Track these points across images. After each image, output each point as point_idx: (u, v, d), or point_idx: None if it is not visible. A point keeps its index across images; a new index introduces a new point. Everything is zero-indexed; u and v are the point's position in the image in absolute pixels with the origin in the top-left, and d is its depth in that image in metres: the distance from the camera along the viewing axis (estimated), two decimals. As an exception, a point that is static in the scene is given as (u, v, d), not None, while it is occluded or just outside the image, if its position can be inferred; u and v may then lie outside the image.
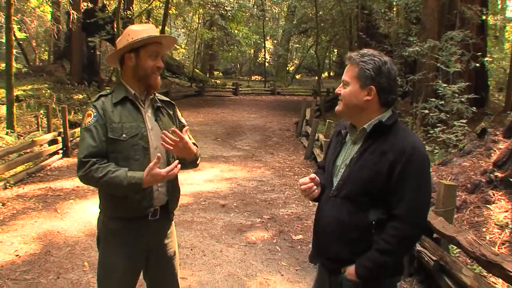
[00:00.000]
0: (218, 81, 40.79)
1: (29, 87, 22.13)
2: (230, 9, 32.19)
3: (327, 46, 35.67)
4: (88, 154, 2.77)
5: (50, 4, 27.34)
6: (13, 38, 16.59)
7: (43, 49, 38.25)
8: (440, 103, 11.27)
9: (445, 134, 10.21)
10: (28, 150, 10.58)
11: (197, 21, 36.99)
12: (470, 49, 12.91)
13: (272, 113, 24.34)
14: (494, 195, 6.62)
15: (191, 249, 6.16)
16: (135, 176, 2.74)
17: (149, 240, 3.08)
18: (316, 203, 2.87)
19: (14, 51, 16.50)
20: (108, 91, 3.06)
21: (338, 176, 2.66)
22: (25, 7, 27.25)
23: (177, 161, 2.85)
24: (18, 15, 23.24)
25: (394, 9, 23.33)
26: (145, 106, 3.05)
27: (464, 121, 10.47)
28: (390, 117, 2.56)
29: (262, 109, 26.09)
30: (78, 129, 12.73)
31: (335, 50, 47.25)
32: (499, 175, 6.81)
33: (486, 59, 14.46)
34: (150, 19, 32.02)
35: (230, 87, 35.44)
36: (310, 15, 31.87)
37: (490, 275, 4.54)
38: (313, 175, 2.76)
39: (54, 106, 16.34)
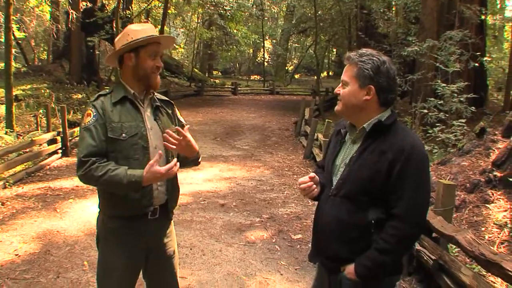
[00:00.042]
0: (217, 81, 40.77)
1: (28, 86, 22.13)
2: (229, 8, 32.23)
3: (326, 46, 35.71)
4: (88, 154, 2.77)
5: (49, 4, 27.37)
6: (12, 37, 16.59)
7: (42, 49, 38.23)
8: (439, 102, 11.29)
9: (444, 134, 10.22)
10: (27, 150, 10.59)
11: (196, 21, 37.05)
12: (469, 49, 12.93)
13: (271, 112, 24.35)
14: (493, 194, 6.63)
15: (191, 249, 6.16)
16: (135, 174, 2.74)
17: (149, 239, 3.08)
18: (316, 203, 2.88)
19: (13, 50, 16.53)
20: (107, 90, 3.06)
21: (337, 175, 2.67)
22: (24, 7, 27.25)
23: (175, 159, 2.86)
24: (17, 14, 23.24)
25: (393, 8, 23.33)
26: (144, 106, 3.05)
27: (463, 120, 10.49)
28: (389, 117, 2.57)
29: (261, 108, 26.10)
30: (77, 129, 12.73)
31: (334, 50, 47.33)
32: (498, 174, 6.82)
33: (485, 58, 14.50)
34: (149, 18, 32.02)
35: (229, 86, 35.46)
36: (309, 14, 31.87)
37: (489, 274, 4.55)
38: (312, 174, 2.77)
39: (53, 106, 16.35)
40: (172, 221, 3.29)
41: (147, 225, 3.03)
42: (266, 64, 47.74)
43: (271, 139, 16.70)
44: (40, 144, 11.23)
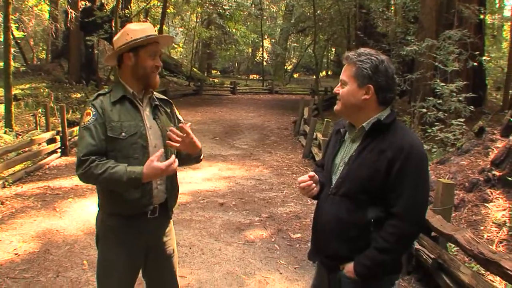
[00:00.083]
0: (216, 80, 40.77)
1: (27, 86, 22.14)
2: (228, 8, 32.24)
3: (325, 45, 35.65)
4: (87, 153, 2.77)
5: (48, 3, 27.39)
6: (11, 37, 16.58)
7: (41, 48, 38.21)
8: (438, 102, 11.31)
9: (443, 133, 10.23)
10: (27, 149, 10.59)
11: (195, 20, 37.08)
12: (468, 48, 12.93)
13: (270, 112, 24.35)
14: (492, 193, 6.64)
15: (190, 248, 6.17)
16: (135, 171, 2.75)
17: (148, 238, 3.09)
18: (315, 202, 2.88)
19: (12, 50, 16.50)
20: (106, 90, 3.06)
21: (337, 174, 2.68)
22: (23, 6, 27.25)
23: (174, 156, 2.86)
24: (16, 13, 23.27)
25: (392, 8, 23.34)
26: (143, 105, 3.05)
27: (462, 120, 10.50)
28: (388, 116, 2.57)
29: (260, 108, 26.10)
30: (76, 128, 12.72)
31: (333, 49, 47.26)
32: (497, 173, 6.83)
33: (484, 58, 14.51)
34: (148, 17, 32.02)
35: (228, 86, 35.43)
36: (308, 14, 31.82)
37: (488, 273, 4.56)
38: (312, 173, 2.77)
39: (52, 105, 16.34)
40: (171, 220, 3.30)
41: (147, 224, 3.04)
42: (265, 63, 47.70)
43: (270, 138, 16.70)
44: (39, 144, 11.23)
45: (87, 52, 26.20)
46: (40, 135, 11.57)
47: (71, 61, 25.87)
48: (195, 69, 38.24)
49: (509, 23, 26.07)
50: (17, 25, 25.32)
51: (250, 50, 51.80)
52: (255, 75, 51.47)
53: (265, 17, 46.59)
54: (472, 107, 11.32)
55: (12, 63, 15.50)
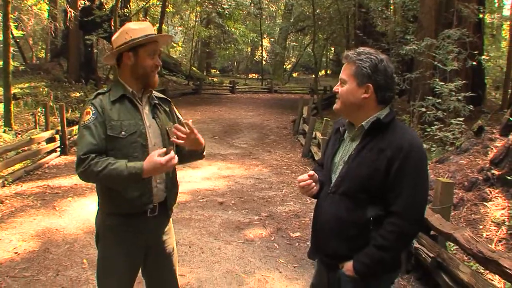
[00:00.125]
0: (215, 79, 40.80)
1: (26, 85, 22.13)
2: (228, 7, 32.26)
3: (324, 44, 35.67)
4: (87, 151, 2.76)
5: (47, 2, 27.39)
6: (11, 36, 16.56)
7: (40, 47, 38.19)
8: (437, 101, 11.31)
9: (442, 132, 10.24)
10: (26, 148, 10.59)
11: (194, 19, 37.05)
12: (467, 48, 12.93)
13: (269, 111, 24.34)
14: (491, 192, 6.65)
15: (190, 247, 6.18)
16: (135, 166, 2.75)
17: (148, 236, 3.09)
18: (314, 200, 2.89)
19: (11, 49, 16.48)
20: (106, 89, 3.07)
21: (336, 173, 2.68)
22: (22, 5, 27.24)
23: (173, 152, 2.86)
24: (15, 13, 23.26)
25: (391, 7, 23.36)
26: (143, 104, 3.06)
27: (461, 119, 10.50)
28: (387, 115, 2.58)
29: (259, 107, 26.09)
30: (75, 127, 12.70)
31: (332, 48, 47.26)
32: (496, 173, 6.84)
33: (483, 57, 14.47)
34: (147, 17, 31.98)
35: (227, 85, 35.44)
36: (307, 13, 31.85)
37: (487, 272, 4.57)
38: (311, 172, 2.78)
39: (51, 104, 16.32)
40: (171, 219, 3.31)
41: (146, 223, 3.04)
42: (264, 62, 47.71)
43: (269, 137, 16.71)
44: (39, 143, 11.22)
45: (86, 51, 26.20)
46: (40, 134, 11.56)
47: (70, 60, 25.87)
48: (194, 68, 38.23)
49: (509, 22, 26.05)
50: (16, 24, 25.31)
51: (249, 49, 51.83)
52: (254, 74, 51.47)
53: (264, 16, 46.57)
54: (471, 106, 11.32)
55: (11, 62, 15.49)
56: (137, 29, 2.96)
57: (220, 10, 32.02)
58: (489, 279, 4.57)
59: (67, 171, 10.30)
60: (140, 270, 3.23)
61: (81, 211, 7.56)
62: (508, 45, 20.75)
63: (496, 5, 31.34)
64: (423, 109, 11.48)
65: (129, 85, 3.01)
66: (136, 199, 2.93)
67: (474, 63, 12.77)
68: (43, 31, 32.54)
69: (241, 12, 37.40)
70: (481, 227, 6.07)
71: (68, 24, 23.18)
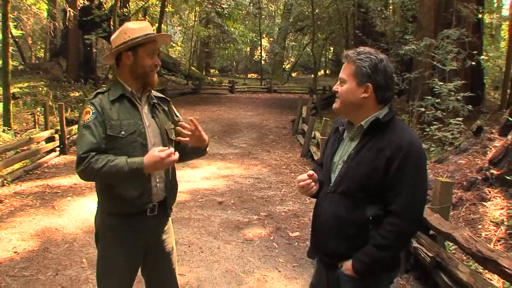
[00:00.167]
0: (214, 79, 40.74)
1: (25, 84, 22.08)
2: (227, 6, 32.23)
3: (323, 44, 35.61)
4: (88, 150, 2.76)
5: (46, 2, 27.33)
6: (10, 35, 16.55)
7: (39, 47, 38.11)
8: (436, 101, 11.32)
9: (441, 132, 10.25)
10: (25, 148, 10.61)
11: (193, 19, 37.00)
12: (466, 48, 12.94)
13: (268, 111, 24.32)
14: (489, 192, 6.66)
15: (189, 246, 6.18)
16: (136, 161, 2.75)
17: (147, 236, 3.10)
18: (313, 200, 2.90)
19: (10, 48, 16.46)
20: (105, 88, 3.07)
21: (335, 172, 2.69)
22: (21, 5, 27.20)
23: (172, 149, 2.86)
24: (14, 12, 23.23)
25: (391, 7, 23.35)
26: (142, 103, 3.07)
27: (460, 119, 10.51)
28: (387, 114, 2.59)
29: (258, 107, 26.07)
30: (75, 127, 12.71)
31: (331, 48, 47.20)
32: (495, 172, 6.85)
33: (482, 57, 14.47)
34: (147, 16, 31.95)
35: (226, 85, 35.39)
36: (307, 13, 31.83)
37: (486, 271, 4.59)
38: (311, 172, 2.79)
39: (50, 104, 16.32)
40: (170, 218, 3.31)
41: (146, 222, 3.05)
42: (263, 62, 47.67)
43: (268, 137, 16.71)
44: (38, 142, 11.22)
45: (85, 51, 26.16)
46: (39, 134, 11.56)
47: (69, 60, 25.84)
48: (193, 68, 38.20)
49: (507, 23, 26.05)
50: (15, 23, 25.27)
51: (248, 49, 51.74)
52: (253, 74, 51.39)
53: (263, 16, 46.54)
54: (470, 106, 11.33)
55: (10, 61, 15.48)
56: (136, 29, 2.96)
57: (219, 9, 32.00)
58: (488, 278, 4.58)
59: (67, 171, 10.30)
60: (139, 270, 3.23)
61: (81, 211, 7.57)
62: (507, 45, 20.73)
63: (495, 5, 31.30)
64: (422, 109, 11.49)
65: (128, 84, 3.02)
66: (136, 199, 2.94)
67: (473, 63, 12.78)
68: (42, 31, 32.47)
69: (240, 11, 37.40)
70: (480, 226, 6.08)
71: (67, 23, 23.13)
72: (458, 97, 10.95)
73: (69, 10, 21.94)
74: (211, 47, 42.13)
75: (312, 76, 32.58)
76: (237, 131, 17.73)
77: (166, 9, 30.83)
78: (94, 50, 27.94)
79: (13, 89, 17.94)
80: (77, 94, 21.87)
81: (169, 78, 33.07)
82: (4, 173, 9.26)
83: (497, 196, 6.56)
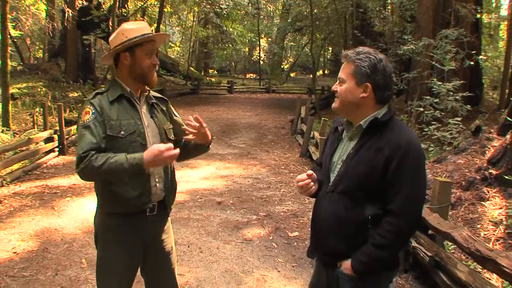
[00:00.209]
0: (213, 79, 40.75)
1: (24, 85, 22.09)
2: (225, 7, 32.21)
3: (322, 44, 35.57)
4: (88, 149, 2.76)
5: (45, 2, 27.30)
6: (8, 36, 16.54)
7: (37, 47, 38.11)
8: (434, 101, 11.32)
9: (439, 132, 10.25)
10: (24, 148, 10.60)
11: (192, 19, 36.99)
12: (465, 48, 12.93)
13: (267, 111, 24.32)
14: (488, 192, 6.67)
15: (188, 246, 6.19)
16: (136, 157, 2.74)
17: (147, 236, 3.10)
18: (312, 200, 2.91)
19: (9, 49, 16.46)
20: (104, 89, 3.08)
21: (335, 172, 2.70)
22: (20, 5, 27.18)
23: (171, 144, 2.87)
24: (13, 12, 23.21)
25: (389, 7, 23.34)
26: (141, 103, 3.08)
27: (458, 119, 10.51)
28: (385, 114, 2.60)
29: (257, 107, 26.07)
30: (74, 127, 12.75)
31: (330, 48, 47.10)
32: (494, 172, 6.86)
33: (480, 57, 14.47)
34: (145, 17, 31.93)
35: (225, 85, 35.38)
36: (305, 13, 31.79)
37: (485, 270, 4.59)
38: (310, 172, 2.79)
39: (49, 104, 16.33)
40: (169, 218, 3.32)
41: (145, 222, 3.06)
42: (262, 62, 47.63)
43: (267, 137, 16.72)
44: (37, 143, 11.23)
45: (84, 51, 26.16)
46: (38, 134, 11.58)
47: (68, 60, 25.83)
48: (192, 68, 38.20)
49: (506, 22, 26.07)
50: (14, 24, 25.28)
51: (247, 49, 51.80)
52: (252, 74, 51.42)
53: (262, 16, 46.45)
54: (468, 106, 11.32)
55: (9, 62, 15.46)
56: (133, 29, 2.97)
57: (218, 10, 31.98)
58: (487, 278, 4.59)
59: (66, 171, 10.31)
60: (139, 270, 3.23)
61: (80, 211, 7.57)
62: (505, 45, 20.73)
63: (494, 5, 31.33)
64: (421, 109, 11.48)
65: (127, 84, 3.02)
66: (135, 199, 2.94)
67: (472, 63, 12.77)
68: (41, 31, 32.42)
69: (239, 12, 37.38)
70: (478, 226, 6.09)
71: (66, 24, 23.13)
72: (457, 97, 10.95)
73: (67, 11, 21.95)
74: (210, 48, 42.16)
75: (311, 76, 32.50)
76: (236, 131, 17.73)
77: (165, 10, 30.87)
78: (93, 51, 27.98)
79: (12, 90, 17.93)
80: (75, 94, 21.86)
81: (167, 79, 33.05)
82: (3, 174, 9.27)
83: (495, 196, 6.57)
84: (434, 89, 11.35)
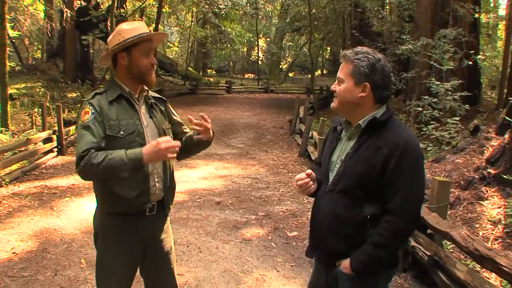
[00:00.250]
0: (211, 79, 40.71)
1: (23, 85, 22.06)
2: (224, 7, 32.22)
3: (320, 44, 35.67)
4: (88, 149, 2.75)
5: (43, 2, 27.26)
6: (7, 36, 16.53)
7: (36, 48, 38.09)
8: (433, 100, 11.32)
9: (438, 132, 10.26)
10: (23, 149, 10.59)
11: (190, 19, 36.99)
12: (463, 47, 12.94)
13: (265, 111, 24.33)
14: (487, 191, 6.68)
15: (187, 246, 6.19)
16: (135, 152, 2.75)
17: (146, 235, 3.10)
18: (311, 200, 2.92)
19: (7, 49, 16.45)
20: (102, 89, 3.08)
21: (334, 171, 2.71)
22: (18, 5, 27.15)
23: (169, 137, 2.87)
24: (11, 13, 23.17)
25: (387, 7, 23.37)
26: (140, 103, 3.08)
27: (457, 118, 10.51)
28: (384, 113, 2.61)
29: (256, 107, 26.07)
30: (72, 127, 12.76)
31: (328, 48, 47.17)
32: (492, 171, 6.87)
33: (479, 57, 14.51)
34: (144, 17, 31.92)
35: (223, 85, 35.34)
36: (303, 13, 31.84)
37: (484, 269, 4.60)
38: (309, 171, 2.80)
39: (48, 105, 16.31)
40: (168, 217, 3.32)
41: (145, 222, 3.06)
42: (260, 62, 47.69)
43: (266, 137, 16.72)
44: (36, 143, 11.24)
45: (82, 52, 26.13)
46: (36, 135, 11.58)
47: (66, 61, 25.80)
48: (190, 69, 38.18)
49: (504, 22, 26.08)
50: (12, 24, 25.23)
51: (245, 49, 51.83)
52: (250, 74, 51.46)
53: (260, 16, 46.49)
54: (467, 105, 11.34)
55: (7, 62, 15.45)
56: (129, 29, 2.97)
57: (216, 10, 31.97)
58: (486, 277, 4.59)
59: (64, 171, 10.31)
60: (138, 269, 3.23)
61: (79, 211, 7.57)
62: (503, 45, 20.77)
63: (492, 4, 31.38)
64: (419, 109, 11.49)
65: (126, 85, 3.03)
66: (135, 199, 2.94)
67: (470, 62, 12.78)
68: (39, 32, 32.38)
69: (237, 12, 37.37)
70: (477, 225, 6.10)
71: (64, 24, 23.07)
72: (455, 97, 10.96)
73: (66, 11, 21.89)
74: (208, 48, 42.13)
75: (309, 76, 32.53)
76: (234, 131, 17.74)
77: (163, 10, 30.80)
78: (91, 51, 27.96)
79: (10, 90, 17.90)
80: (74, 94, 21.86)
81: (166, 79, 33.05)
82: (2, 174, 9.27)
83: (494, 195, 6.58)
84: (433, 89, 11.36)
